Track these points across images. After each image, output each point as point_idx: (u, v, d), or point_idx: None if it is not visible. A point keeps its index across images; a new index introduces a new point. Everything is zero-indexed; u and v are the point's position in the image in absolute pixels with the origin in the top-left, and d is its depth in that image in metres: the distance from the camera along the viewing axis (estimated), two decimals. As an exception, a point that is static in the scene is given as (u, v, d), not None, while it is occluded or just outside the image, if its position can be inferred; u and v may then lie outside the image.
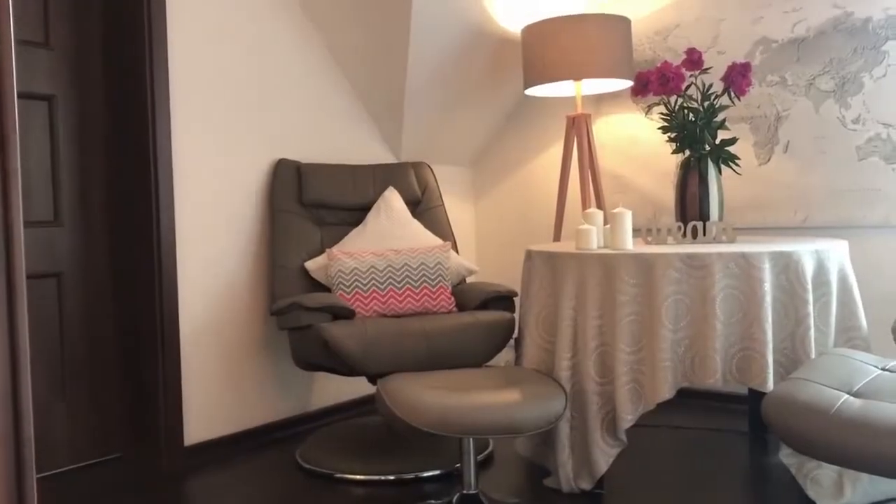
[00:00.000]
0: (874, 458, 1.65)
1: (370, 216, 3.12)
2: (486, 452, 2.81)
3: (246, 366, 3.02)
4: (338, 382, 3.40)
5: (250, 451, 2.96)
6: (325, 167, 3.17)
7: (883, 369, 1.96)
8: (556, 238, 3.51)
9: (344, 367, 2.58)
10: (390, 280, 2.87)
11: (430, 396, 2.10)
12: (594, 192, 3.50)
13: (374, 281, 2.86)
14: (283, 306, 2.66)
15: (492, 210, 4.19)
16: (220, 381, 2.93)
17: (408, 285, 2.88)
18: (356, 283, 2.85)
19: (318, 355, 2.60)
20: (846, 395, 1.81)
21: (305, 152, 3.25)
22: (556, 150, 3.90)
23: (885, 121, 3.02)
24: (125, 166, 2.81)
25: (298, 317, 2.61)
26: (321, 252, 3.03)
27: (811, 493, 2.22)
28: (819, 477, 2.24)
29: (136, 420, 2.85)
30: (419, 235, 3.09)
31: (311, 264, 2.96)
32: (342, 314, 2.65)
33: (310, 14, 3.24)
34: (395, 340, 2.57)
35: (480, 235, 4.23)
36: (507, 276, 4.06)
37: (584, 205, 3.39)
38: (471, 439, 2.21)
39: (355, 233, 3.08)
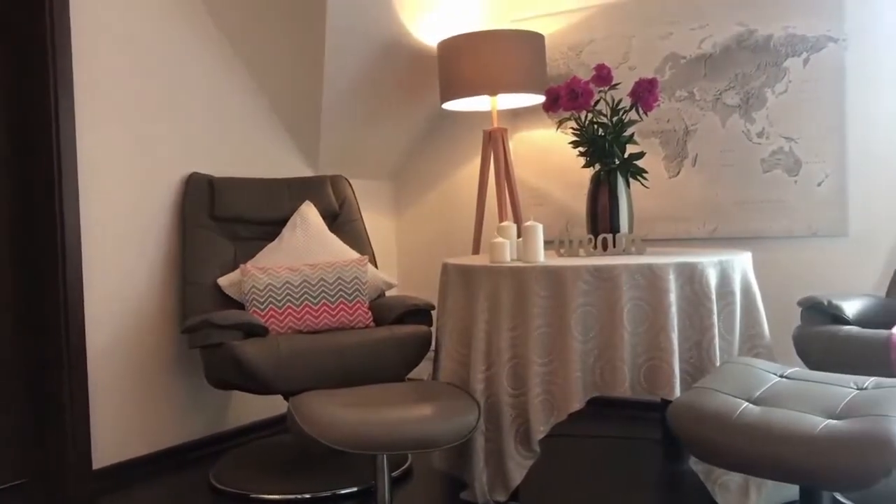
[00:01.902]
0: (771, 463, 1.70)
1: (285, 231, 3.08)
2: (404, 467, 2.80)
3: (158, 384, 2.94)
4: (255, 400, 3.34)
5: (163, 472, 2.88)
6: (239, 181, 3.12)
7: (782, 376, 2.02)
8: (476, 251, 3.54)
9: (256, 385, 2.53)
10: (306, 296, 2.84)
11: (342, 413, 2.08)
12: (511, 204, 3.53)
13: (288, 297, 2.82)
14: (194, 324, 2.60)
15: (413, 223, 4.19)
16: (130, 401, 2.84)
17: (324, 301, 2.85)
18: (270, 299, 2.80)
19: (231, 374, 2.55)
20: (746, 403, 1.87)
21: (219, 165, 3.19)
22: (475, 164, 3.93)
23: (787, 135, 3.13)
24: (29, 180, 2.71)
25: (209, 335, 2.55)
26: (235, 268, 2.98)
27: (719, 499, 2.28)
28: (726, 483, 2.30)
29: (40, 444, 2.74)
30: (336, 250, 3.07)
31: (223, 280, 2.90)
32: (255, 331, 2.60)
33: (222, 26, 3.19)
34: (309, 357, 2.54)
35: (402, 249, 4.23)
36: (428, 289, 4.05)
37: (501, 218, 3.42)
38: (384, 456, 2.19)
39: (270, 248, 3.03)
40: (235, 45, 3.25)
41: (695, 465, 2.32)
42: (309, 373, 2.55)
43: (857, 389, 1.86)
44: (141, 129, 2.90)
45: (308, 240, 3.04)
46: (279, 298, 2.81)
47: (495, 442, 2.39)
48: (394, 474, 2.73)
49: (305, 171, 3.62)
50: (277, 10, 3.10)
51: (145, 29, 2.91)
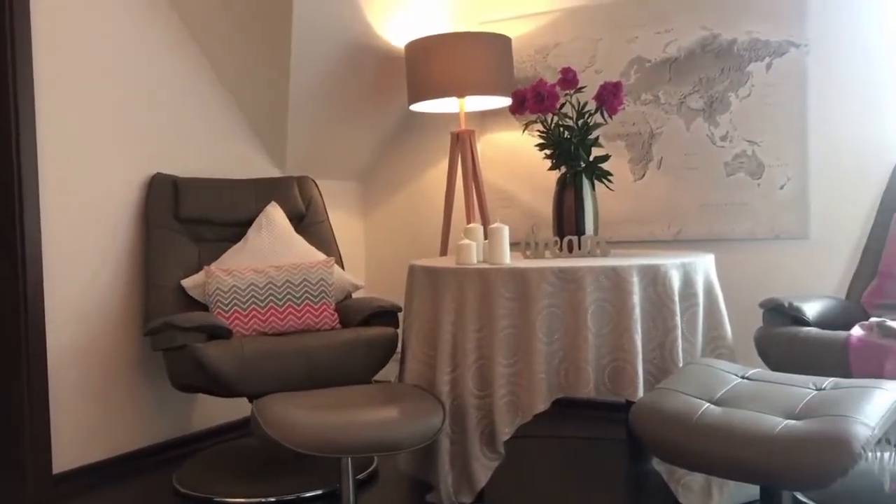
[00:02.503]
0: (731, 463, 1.72)
1: (251, 232, 3.06)
2: (369, 469, 2.79)
3: (121, 387, 2.90)
4: (220, 402, 3.31)
5: (125, 477, 2.84)
6: (204, 181, 3.09)
7: (743, 377, 2.05)
8: (443, 252, 3.54)
9: (220, 388, 2.51)
10: (271, 297, 2.82)
11: (306, 416, 2.06)
12: (479, 206, 3.54)
13: (253, 298, 2.80)
14: (156, 326, 2.57)
15: (381, 224, 4.18)
16: (92, 404, 2.80)
17: (289, 302, 2.83)
18: (235, 301, 2.78)
19: (194, 376, 2.52)
20: (707, 404, 1.89)
21: (183, 166, 3.16)
22: (443, 166, 3.93)
23: (750, 138, 3.18)
24: (-15, 181, 2.66)
25: (172, 337, 2.52)
26: (199, 269, 2.95)
27: (682, 499, 2.30)
28: (689, 483, 2.32)
29: (-3, 449, 2.69)
30: (302, 251, 3.05)
31: (188, 282, 2.87)
32: (218, 334, 2.58)
33: (188, 25, 3.16)
34: (274, 359, 2.52)
35: (370, 250, 4.22)
36: (397, 291, 4.04)
37: (469, 219, 3.42)
38: (349, 459, 2.18)
39: (235, 249, 3.01)
40: (201, 44, 3.22)
41: (658, 465, 2.34)
42: (274, 375, 2.53)
43: (816, 390, 1.89)
44: (104, 129, 2.86)
45: (274, 241, 3.02)
46: (244, 300, 2.79)
47: (461, 444, 2.39)
48: (359, 477, 2.72)
49: (272, 172, 3.60)
50: (243, 9, 3.08)
51: (109, 27, 2.88)
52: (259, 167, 3.53)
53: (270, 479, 2.64)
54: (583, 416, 3.42)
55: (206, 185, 3.08)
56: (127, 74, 2.94)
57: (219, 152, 3.33)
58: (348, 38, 3.32)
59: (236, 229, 3.11)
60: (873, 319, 2.25)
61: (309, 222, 3.25)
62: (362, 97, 3.65)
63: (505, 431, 2.30)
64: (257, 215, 3.12)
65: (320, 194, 3.37)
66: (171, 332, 2.53)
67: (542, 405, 2.27)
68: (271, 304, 2.81)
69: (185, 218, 3.00)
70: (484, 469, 2.35)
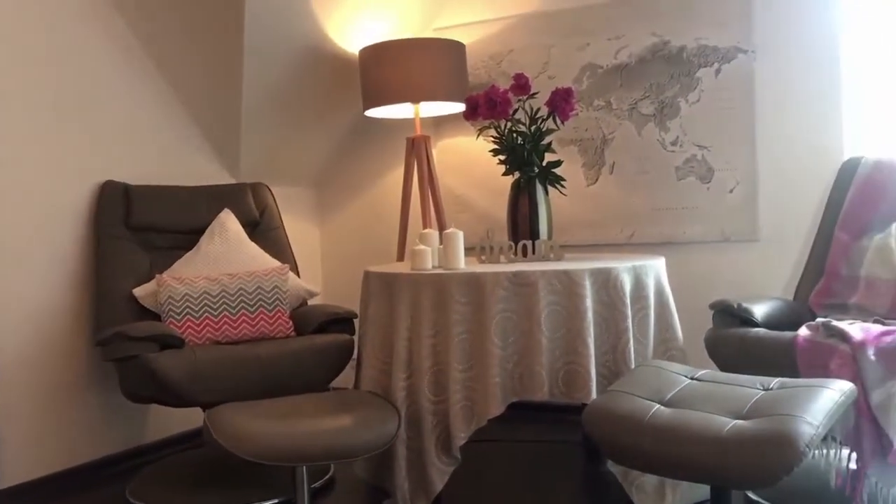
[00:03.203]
0: (681, 464, 1.74)
1: (203, 239, 3.02)
2: (326, 477, 2.77)
3: (72, 399, 2.85)
4: (174, 412, 3.26)
5: (77, 490, 2.79)
6: (156, 189, 3.05)
7: (692, 378, 2.08)
8: (400, 258, 3.54)
9: (173, 398, 2.48)
10: (224, 306, 2.79)
11: (259, 425, 2.05)
12: (435, 212, 3.54)
13: (206, 307, 2.77)
14: (106, 336, 2.52)
15: (338, 231, 4.16)
16: (42, 417, 2.75)
17: (243, 310, 2.81)
18: (187, 309, 2.75)
19: (146, 387, 2.49)
20: (658, 405, 1.91)
21: (135, 173, 3.11)
22: (399, 171, 3.93)
23: (700, 143, 3.23)
24: (-73, 190, 2.60)
25: (123, 347, 2.48)
26: (151, 278, 2.91)
27: (636, 500, 2.32)
28: (643, 484, 2.35)
29: (-58, 465, 2.63)
30: (256, 258, 3.03)
31: (139, 291, 2.83)
32: (170, 343, 2.54)
33: (136, 31, 3.11)
34: (227, 368, 2.50)
35: (326, 257, 4.20)
36: (354, 297, 3.99)
37: (425, 225, 3.43)
38: (303, 467, 2.17)
39: (187, 257, 2.97)
40: (151, 50, 3.18)
41: (613, 466, 2.37)
42: (227, 384, 2.51)
43: (764, 390, 1.92)
44: (51, 137, 2.81)
45: (227, 248, 2.99)
46: (197, 309, 2.76)
47: (416, 450, 2.39)
48: (316, 484, 2.70)
49: (226, 179, 3.56)
50: (194, 15, 3.05)
51: (55, 34, 2.83)
52: (212, 174, 3.49)
53: (225, 489, 2.61)
54: (539, 420, 3.44)
55: (158, 193, 3.04)
56: (74, 82, 2.89)
57: (171, 159, 3.29)
58: (301, 44, 3.30)
59: (189, 237, 3.07)
60: (819, 320, 2.30)
61: (263, 229, 3.23)
62: (317, 103, 3.63)
63: (460, 436, 2.30)
64: (210, 222, 3.08)
65: (275, 201, 3.34)
66: (122, 342, 2.49)
67: (496, 409, 2.27)
68: (224, 312, 2.78)
69: (137, 226, 2.96)
70: (440, 474, 2.35)
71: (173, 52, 3.19)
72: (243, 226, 3.14)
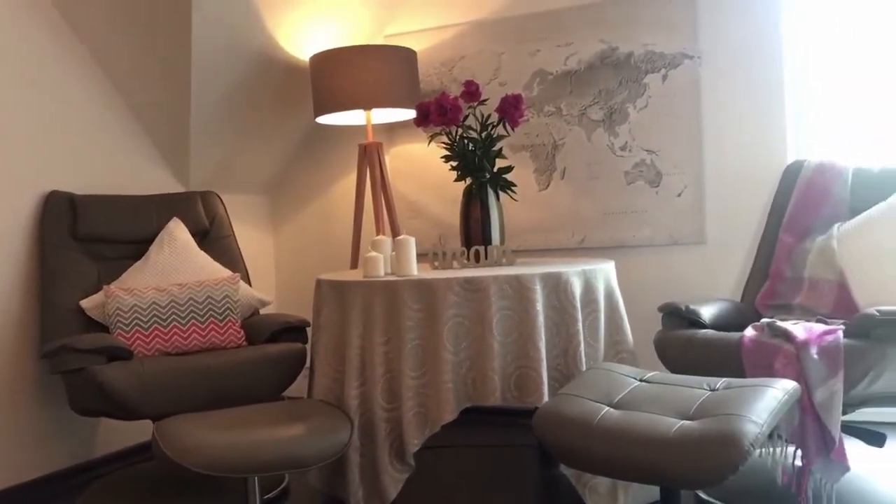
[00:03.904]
0: (630, 465, 1.76)
1: (152, 249, 2.98)
2: (280, 487, 2.75)
3: (18, 413, 2.78)
4: (124, 426, 3.20)
5: (22, 508, 2.73)
6: (103, 198, 3.00)
7: (641, 380, 2.11)
8: (353, 265, 3.52)
9: (122, 411, 2.43)
10: (174, 316, 2.75)
11: (209, 437, 2.02)
12: (388, 218, 3.54)
13: (155, 318, 2.73)
14: (52, 349, 2.47)
15: (291, 239, 4.13)
16: (-15, 435, 2.68)
17: (193, 321, 2.77)
18: (136, 320, 2.71)
19: (94, 400, 2.44)
20: (607, 408, 1.94)
21: (81, 183, 3.06)
22: (353, 178, 3.92)
23: (648, 148, 3.28)
24: None
25: (69, 360, 2.43)
26: (99, 289, 2.86)
27: (588, 501, 2.34)
28: (595, 486, 2.37)
29: None
30: (206, 268, 2.99)
31: (86, 303, 2.78)
32: (118, 355, 2.50)
33: (82, 37, 3.06)
34: (177, 380, 2.46)
35: (280, 265, 4.17)
36: (309, 305, 3.99)
37: (378, 232, 3.42)
38: (255, 478, 2.15)
39: (136, 267, 2.93)
40: (97, 57, 3.13)
41: (566, 469, 2.38)
42: (178, 396, 2.48)
43: (710, 390, 1.96)
44: (-8, 146, 2.75)
45: (176, 258, 2.96)
46: (145, 320, 2.72)
47: (370, 458, 2.38)
48: (270, 495, 2.68)
49: (176, 188, 3.52)
50: (140, 21, 3.01)
51: (-5, 40, 2.77)
52: (161, 182, 3.44)
53: (177, 502, 2.57)
54: (493, 424, 3.45)
55: (105, 202, 2.99)
56: (17, 89, 2.83)
57: (118, 168, 3.24)
58: (251, 51, 3.28)
59: (137, 247, 3.03)
60: (764, 320, 2.35)
61: (213, 238, 3.20)
62: (268, 110, 3.61)
63: (414, 443, 2.30)
64: (159, 232, 3.04)
65: (225, 209, 3.31)
66: (69, 355, 2.45)
67: (450, 415, 2.28)
68: (174, 323, 2.74)
69: (83, 236, 2.91)
70: (394, 482, 2.35)
71: (120, 59, 3.14)
72: (193, 235, 3.10)
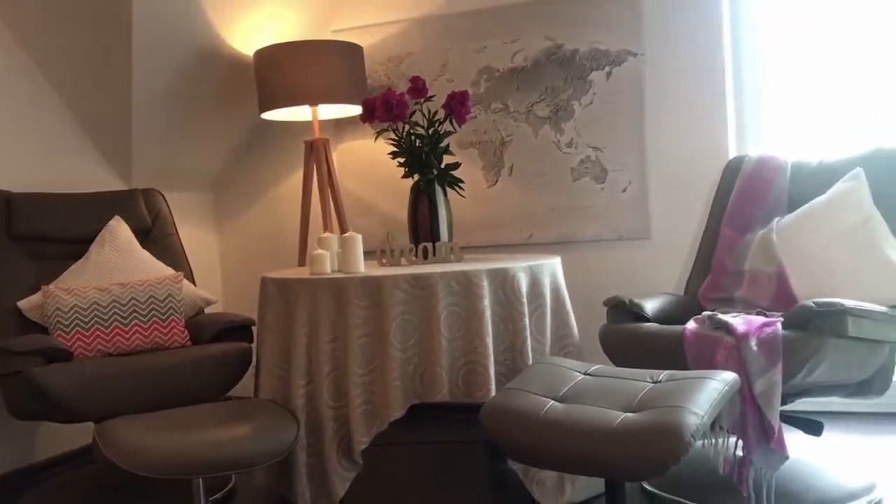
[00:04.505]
0: (574, 458, 1.78)
1: (93, 248, 2.91)
2: (227, 488, 2.71)
3: (-51, 421, 2.70)
4: (66, 429, 3.13)
5: (-43, 516, 2.64)
6: (40, 196, 2.92)
7: (586, 374, 2.13)
8: (301, 263, 3.49)
9: (62, 413, 2.38)
10: (116, 316, 2.70)
11: (151, 438, 1.99)
12: (336, 215, 3.52)
13: (97, 318, 2.67)
14: (-13, 352, 2.40)
15: (237, 237, 4.08)
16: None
17: (135, 321, 2.72)
18: (76, 321, 2.64)
19: (33, 403, 2.38)
20: (552, 401, 1.95)
21: (17, 181, 2.97)
22: (299, 175, 3.88)
23: (593, 144, 3.31)
24: None
25: (5, 362, 2.37)
26: (38, 289, 2.78)
27: (537, 496, 2.37)
28: (543, 479, 2.39)
29: None
30: (149, 267, 2.94)
31: (24, 304, 2.71)
32: (57, 356, 2.44)
33: (17, 32, 2.98)
34: (119, 381, 2.41)
35: (226, 264, 4.11)
36: (255, 304, 3.95)
37: (326, 229, 3.40)
38: (199, 479, 2.11)
39: (76, 267, 2.86)
40: (33, 53, 3.04)
41: (513, 464, 2.40)
42: (120, 397, 2.43)
43: (653, 383, 1.98)
44: (-78, 142, 2.66)
45: (118, 257, 2.89)
46: (86, 320, 2.66)
47: (317, 457, 2.36)
48: (217, 496, 2.64)
49: (118, 185, 3.44)
50: (78, 14, 2.93)
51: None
52: (103, 180, 3.37)
53: (120, 506, 2.53)
54: (440, 420, 3.44)
55: (43, 201, 2.92)
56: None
57: (58, 166, 3.16)
58: (193, 45, 3.23)
59: (78, 246, 2.96)
60: (705, 313, 2.39)
61: (156, 236, 3.14)
62: (212, 106, 3.55)
63: (361, 441, 2.29)
64: (100, 231, 2.98)
65: (168, 207, 3.25)
66: (5, 358, 2.38)
67: (397, 412, 2.28)
68: (116, 323, 2.69)
69: (20, 235, 2.83)
70: (342, 480, 2.34)
71: (59, 55, 3.06)
72: (135, 233, 3.04)
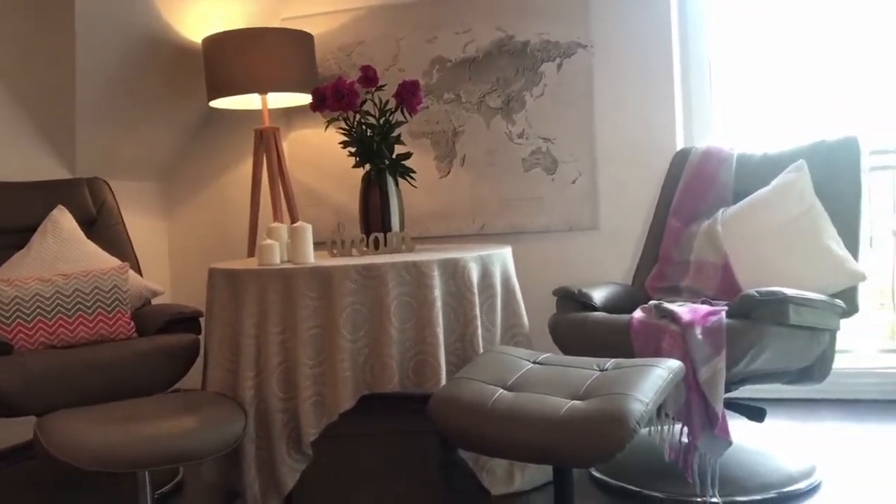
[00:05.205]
0: (522, 446, 1.80)
1: (35, 238, 2.84)
2: (175, 481, 2.68)
3: None
4: (7, 423, 3.05)
5: None
6: (-21, 186, 2.85)
7: (534, 362, 2.14)
8: (251, 254, 3.46)
9: (2, 408, 2.32)
10: (59, 308, 2.64)
11: (94, 432, 1.95)
12: (287, 205, 3.49)
13: (39, 310, 2.61)
14: (-77, 345, 2.33)
15: (186, 227, 4.02)
16: None
17: (80, 312, 2.66)
18: (18, 313, 2.58)
19: (-29, 397, 2.32)
20: (501, 390, 1.96)
21: (-46, 169, 2.89)
22: (249, 164, 3.84)
23: (544, 136, 3.33)
24: None
25: (-59, 356, 2.31)
26: (-24, 281, 2.71)
27: (487, 484, 2.38)
28: (493, 468, 2.41)
29: None
30: (93, 257, 2.88)
31: (-38, 295, 2.63)
32: (-3, 349, 2.38)
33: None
34: (62, 374, 2.36)
35: (174, 254, 4.05)
36: (204, 295, 3.90)
37: (276, 219, 3.37)
38: (145, 473, 2.08)
39: (17, 257, 2.79)
40: (-30, 35, 2.96)
41: (464, 453, 2.41)
42: (64, 391, 2.37)
43: (599, 371, 2.01)
44: None
45: (61, 247, 2.83)
46: (28, 312, 2.59)
47: (266, 449, 2.34)
48: (164, 489, 2.61)
49: (62, 174, 3.36)
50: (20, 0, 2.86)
51: None
52: (46, 169, 3.28)
53: (62, 501, 2.48)
54: (391, 411, 3.45)
55: (-18, 189, 2.84)
56: None
57: (-3, 153, 3.08)
58: (139, 31, 3.16)
59: (19, 236, 2.88)
60: (652, 302, 2.43)
61: (101, 226, 3.07)
62: (159, 93, 3.49)
63: (311, 432, 2.28)
64: (43, 220, 2.91)
65: (114, 196, 3.19)
66: (-59, 351, 2.32)
67: (348, 403, 2.27)
68: (59, 314, 2.63)
69: (-42, 225, 2.76)
70: (291, 472, 2.32)
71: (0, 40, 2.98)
72: (79, 223, 2.98)
